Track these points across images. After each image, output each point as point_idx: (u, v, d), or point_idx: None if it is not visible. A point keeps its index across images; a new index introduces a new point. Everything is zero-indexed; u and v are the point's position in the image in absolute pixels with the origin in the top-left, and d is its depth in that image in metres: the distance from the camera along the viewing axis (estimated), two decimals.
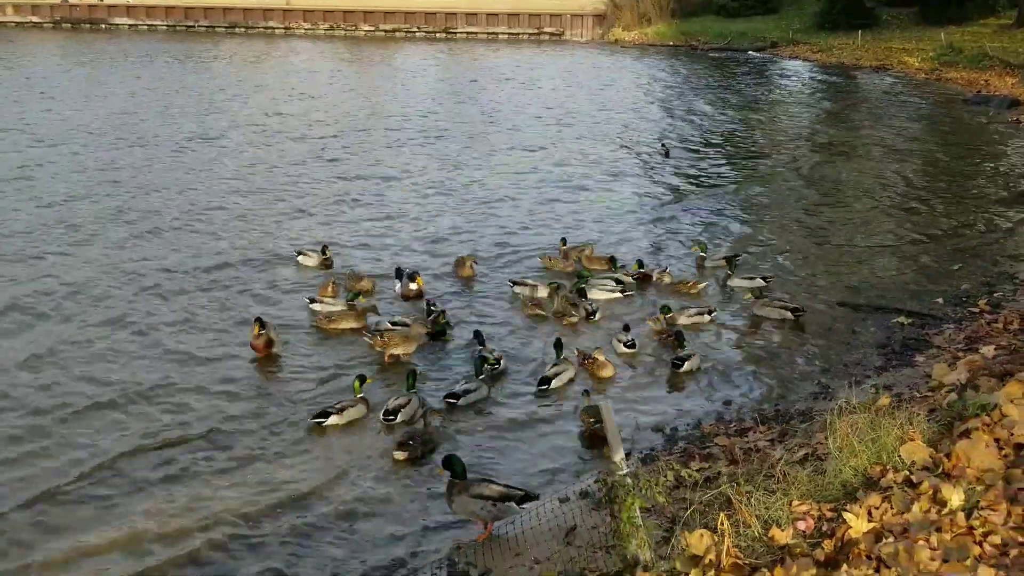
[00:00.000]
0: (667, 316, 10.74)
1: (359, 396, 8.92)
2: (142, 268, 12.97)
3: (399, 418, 8.67)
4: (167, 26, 64.90)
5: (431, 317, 10.71)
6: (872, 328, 10.69)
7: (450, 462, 6.74)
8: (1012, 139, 24.06)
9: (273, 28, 64.69)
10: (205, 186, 18.05)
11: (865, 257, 13.86)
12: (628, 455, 7.57)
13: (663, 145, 23.06)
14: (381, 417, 8.67)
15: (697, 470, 6.81)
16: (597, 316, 11.15)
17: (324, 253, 13.23)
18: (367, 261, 13.72)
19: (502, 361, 9.72)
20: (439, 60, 47.85)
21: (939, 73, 38.12)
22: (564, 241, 13.69)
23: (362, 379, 9.01)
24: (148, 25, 64.94)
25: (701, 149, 23.20)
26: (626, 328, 10.48)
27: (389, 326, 10.58)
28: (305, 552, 6.67)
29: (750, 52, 51.73)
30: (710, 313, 11.03)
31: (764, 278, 12.28)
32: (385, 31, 63.70)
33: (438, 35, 62.97)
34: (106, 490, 7.45)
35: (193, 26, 65.05)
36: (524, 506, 6.47)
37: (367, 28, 63.93)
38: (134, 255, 13.52)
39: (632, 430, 8.22)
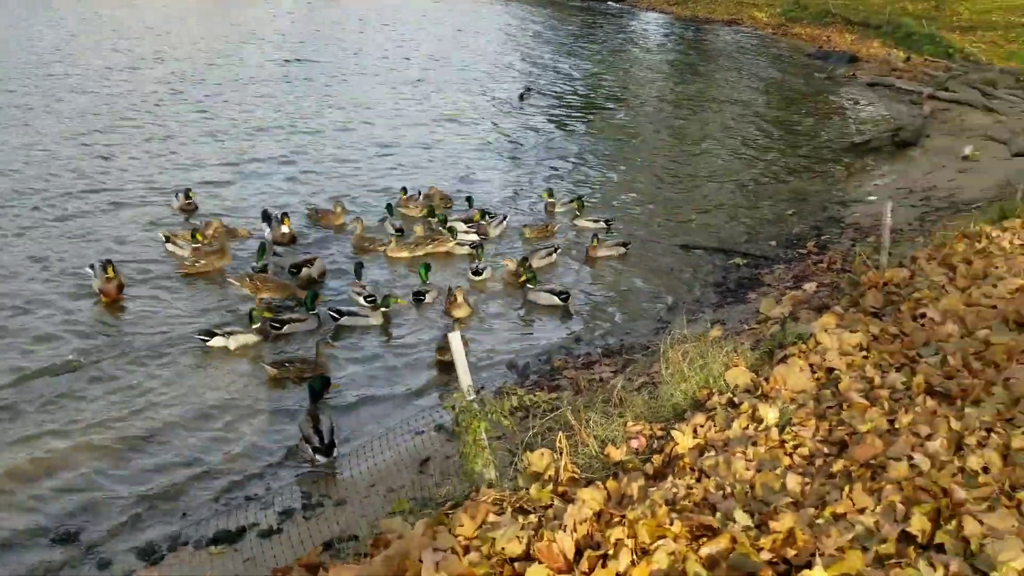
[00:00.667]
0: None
1: (255, 326, 9.03)
2: None
3: (285, 328, 9.20)
4: None
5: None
6: (711, 268, 11.38)
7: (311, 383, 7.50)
8: (848, 93, 25.60)
9: None
10: (57, 123, 17.05)
11: (708, 203, 14.61)
12: (481, 388, 7.91)
13: (528, 89, 23.51)
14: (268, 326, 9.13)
15: (545, 400, 7.21)
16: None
17: (188, 196, 12.79)
18: (231, 202, 13.41)
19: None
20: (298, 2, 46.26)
21: (786, 28, 39.88)
22: (404, 190, 13.62)
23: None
24: None
25: (557, 96, 23.58)
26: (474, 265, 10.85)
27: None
28: (157, 488, 6.66)
29: (609, 2, 52.47)
30: (556, 251, 11.43)
31: (607, 220, 12.84)
32: None
33: None
34: None
35: None
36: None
37: None
38: None
39: (486, 365, 8.54)
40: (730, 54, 34.83)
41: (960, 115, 20.23)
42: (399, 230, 12.01)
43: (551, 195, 13.67)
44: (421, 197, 13.46)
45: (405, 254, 11.53)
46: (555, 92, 24.20)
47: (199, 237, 10.97)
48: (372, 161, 16.25)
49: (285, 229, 11.62)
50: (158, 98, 20.01)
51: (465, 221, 12.48)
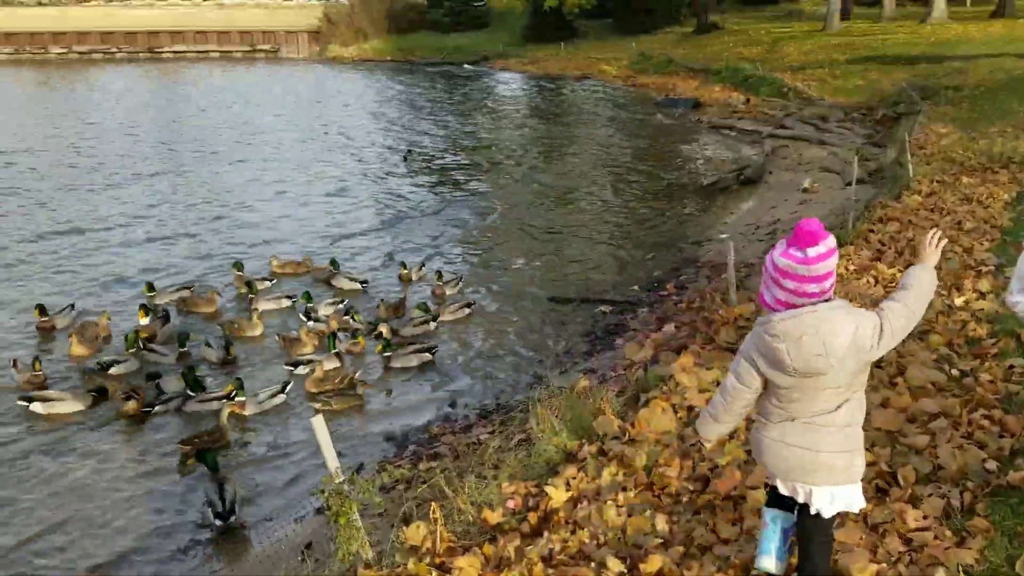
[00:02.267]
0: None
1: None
2: None
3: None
4: None
5: None
6: (579, 319, 11.70)
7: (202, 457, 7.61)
8: (695, 136, 26.98)
9: None
10: None
11: (572, 254, 15.06)
12: (361, 465, 7.89)
13: (409, 151, 24.50)
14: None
15: (425, 470, 7.25)
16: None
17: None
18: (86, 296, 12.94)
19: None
20: (145, 81, 45.41)
21: (633, 79, 41.76)
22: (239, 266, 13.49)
23: None
24: None
25: (429, 158, 23.95)
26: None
27: None
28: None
29: (465, 65, 53.78)
30: (434, 319, 11.47)
31: (457, 279, 13.06)
32: (80, 53, 59.37)
33: (142, 55, 59.69)
34: None
35: None
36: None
37: (59, 51, 59.29)
38: None
39: (360, 440, 8.52)
40: (584, 106, 36.20)
41: (797, 150, 21.62)
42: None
43: (405, 266, 13.68)
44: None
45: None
46: (427, 154, 24.62)
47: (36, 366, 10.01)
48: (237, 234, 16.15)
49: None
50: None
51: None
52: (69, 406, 9.13)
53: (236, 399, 9.03)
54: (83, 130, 29.18)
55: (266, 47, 61.69)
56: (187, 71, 51.02)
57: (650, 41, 49.96)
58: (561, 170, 22.83)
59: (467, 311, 11.97)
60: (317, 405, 9.15)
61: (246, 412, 9.06)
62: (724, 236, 14.90)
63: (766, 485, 4.13)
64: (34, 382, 9.58)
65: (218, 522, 7.00)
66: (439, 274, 13.08)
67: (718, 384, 7.06)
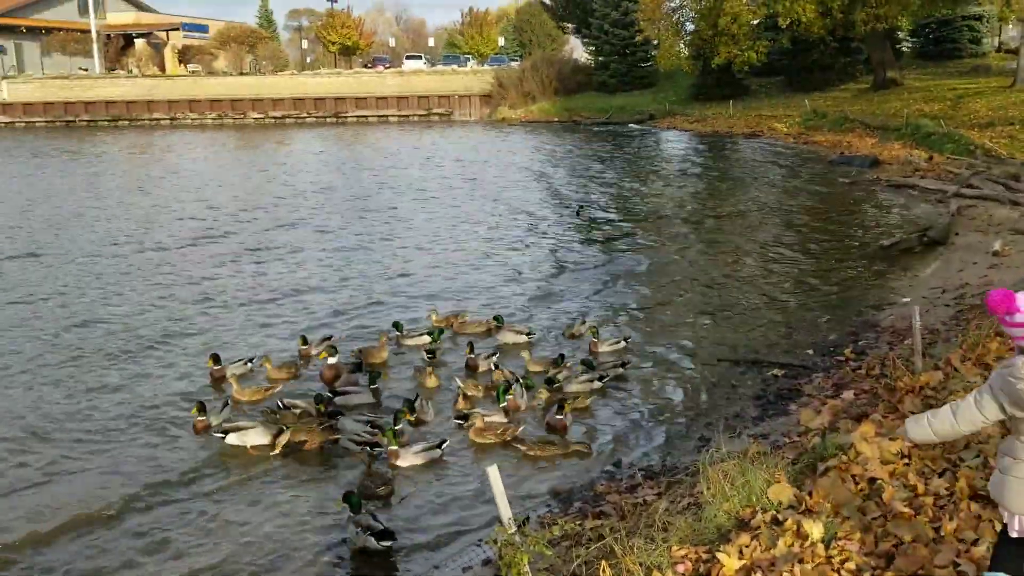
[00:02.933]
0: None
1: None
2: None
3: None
4: (46, 122, 63.61)
5: None
6: (750, 382, 11.39)
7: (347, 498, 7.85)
8: (873, 196, 25.93)
9: (158, 120, 64.21)
10: (106, 287, 17.85)
11: (743, 315, 14.73)
12: (526, 519, 7.94)
13: (582, 206, 25.17)
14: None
15: (591, 528, 7.22)
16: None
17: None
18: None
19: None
20: (332, 143, 48.44)
21: (806, 136, 40.74)
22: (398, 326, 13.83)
23: None
24: (26, 122, 63.52)
25: (583, 222, 24.22)
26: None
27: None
28: None
29: (630, 124, 54.21)
30: (600, 379, 11.47)
31: (626, 338, 13.04)
32: (274, 118, 64.05)
33: (328, 120, 63.69)
34: None
35: (73, 120, 63.96)
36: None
37: (256, 116, 64.18)
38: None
39: (525, 494, 8.60)
40: (754, 165, 35.60)
41: (986, 211, 20.35)
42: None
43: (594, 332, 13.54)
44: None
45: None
46: (596, 209, 24.97)
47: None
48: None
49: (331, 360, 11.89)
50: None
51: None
52: (257, 437, 9.74)
53: (390, 448, 9.37)
54: (280, 186, 31.50)
55: (440, 110, 64.49)
56: (369, 133, 54.03)
57: (823, 98, 48.73)
58: (730, 228, 22.51)
59: (620, 371, 11.86)
60: (523, 448, 9.50)
61: (401, 463, 9.33)
62: (906, 300, 14.19)
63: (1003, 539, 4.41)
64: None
65: (383, 543, 7.24)
66: (594, 331, 13.12)
67: (901, 455, 6.74)
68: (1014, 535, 4.31)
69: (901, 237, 18.88)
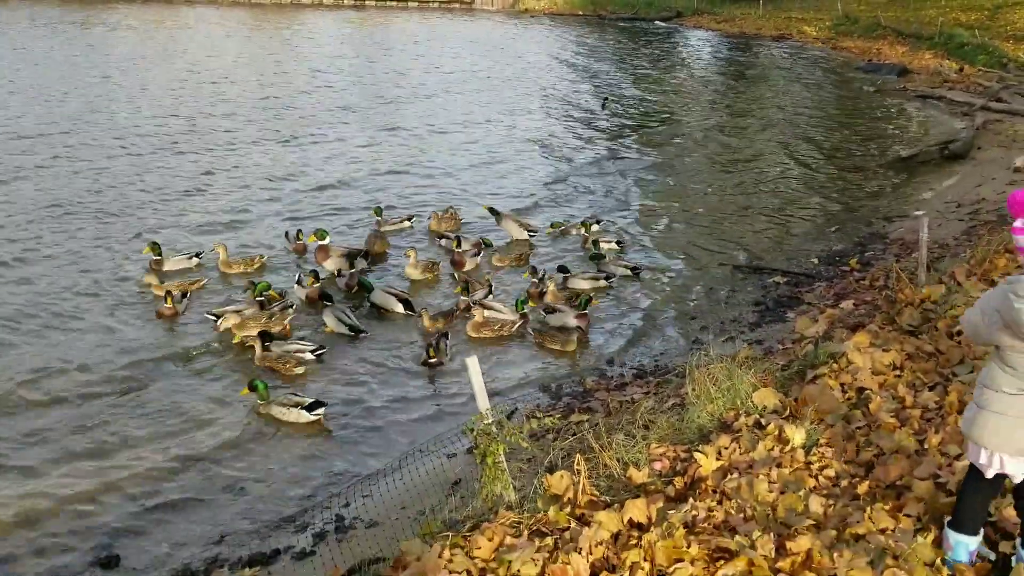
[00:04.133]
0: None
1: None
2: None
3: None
4: None
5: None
6: (750, 288, 11.28)
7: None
8: (898, 106, 25.22)
9: None
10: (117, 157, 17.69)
11: (750, 220, 14.51)
12: (514, 410, 7.97)
13: (606, 99, 25.25)
14: None
15: (576, 423, 7.23)
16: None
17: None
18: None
19: None
20: (351, 27, 47.27)
21: (835, 42, 39.48)
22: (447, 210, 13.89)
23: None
24: None
25: (604, 116, 23.72)
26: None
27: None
28: (195, 512, 6.85)
29: (656, 21, 52.55)
30: (608, 279, 11.37)
31: (618, 242, 12.86)
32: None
33: (346, 3, 61.95)
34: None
35: None
36: None
37: None
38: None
39: (517, 386, 8.63)
40: (779, 69, 34.62)
41: (1013, 126, 19.78)
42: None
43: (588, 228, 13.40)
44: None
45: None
46: (598, 111, 24.43)
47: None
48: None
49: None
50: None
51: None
52: None
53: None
54: (299, 69, 30.90)
55: None
56: (386, 19, 52.60)
57: (857, 2, 46.98)
58: (748, 134, 22.03)
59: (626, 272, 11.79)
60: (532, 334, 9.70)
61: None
62: (919, 213, 13.89)
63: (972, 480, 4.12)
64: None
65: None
66: (585, 225, 13.12)
67: (893, 367, 6.66)
68: (989, 474, 3.95)
69: (921, 149, 18.42)
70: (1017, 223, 4.06)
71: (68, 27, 40.27)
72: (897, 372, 6.60)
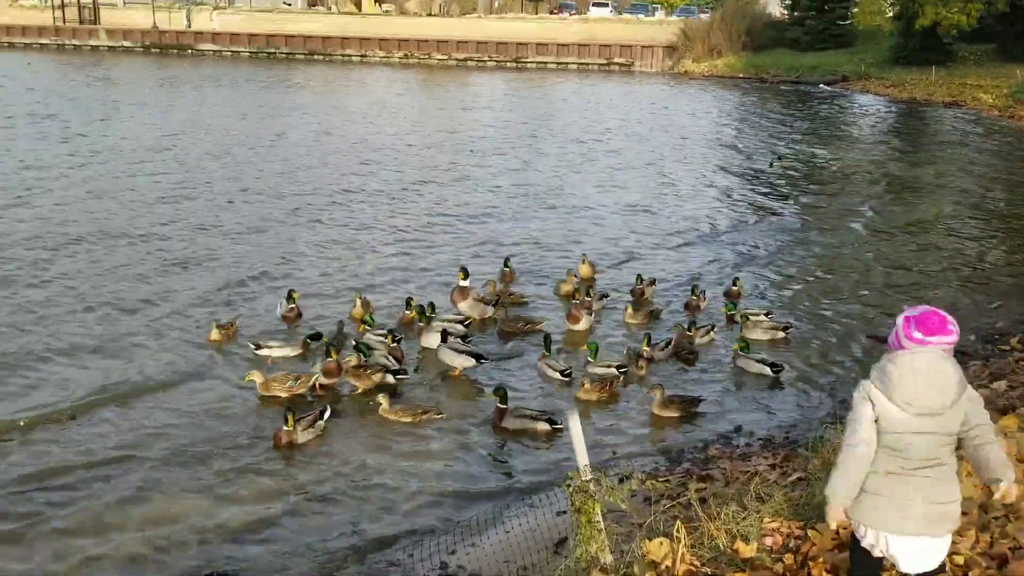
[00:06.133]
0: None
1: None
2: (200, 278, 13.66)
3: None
4: (249, 52, 67.23)
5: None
6: None
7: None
8: None
9: (350, 56, 66.53)
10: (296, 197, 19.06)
11: (907, 292, 13.77)
12: (631, 475, 7.80)
13: (778, 157, 25.81)
14: None
15: (695, 490, 7.00)
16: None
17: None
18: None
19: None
20: (512, 87, 48.77)
21: (1013, 110, 37.28)
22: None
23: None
24: (231, 51, 67.37)
25: (767, 178, 23.32)
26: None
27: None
28: (300, 547, 7.06)
29: (820, 85, 51.30)
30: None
31: (767, 313, 12.27)
32: (457, 60, 64.95)
33: (508, 64, 63.93)
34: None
35: (274, 53, 67.28)
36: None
37: (440, 57, 65.25)
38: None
39: (638, 448, 8.45)
40: (950, 135, 32.99)
41: None
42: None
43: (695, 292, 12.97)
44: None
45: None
46: (763, 173, 24.09)
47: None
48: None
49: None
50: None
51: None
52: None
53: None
54: (464, 124, 32.36)
55: (621, 60, 63.15)
56: (547, 80, 53.90)
57: None
58: (911, 201, 21.03)
59: (781, 334, 11.53)
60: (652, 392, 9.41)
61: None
62: None
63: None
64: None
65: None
66: (695, 292, 12.82)
67: None
68: (877, 554, 4.21)
69: None
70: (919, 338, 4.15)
71: (262, 83, 43.52)
72: None
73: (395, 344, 10.63)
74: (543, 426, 8.88)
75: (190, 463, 8.27)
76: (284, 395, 9.59)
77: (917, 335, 4.13)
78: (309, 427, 8.74)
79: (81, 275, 13.62)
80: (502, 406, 8.94)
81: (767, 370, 10.35)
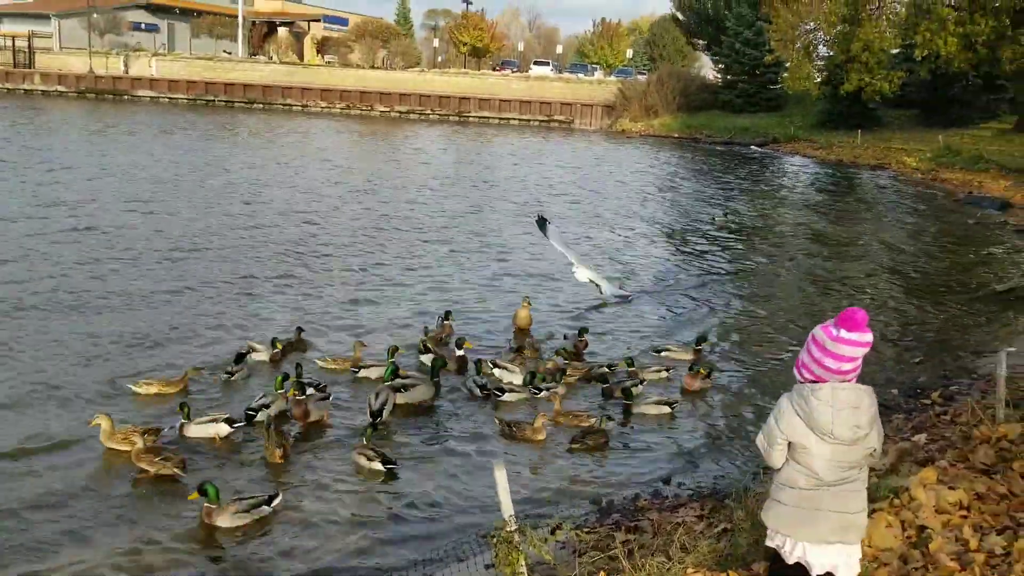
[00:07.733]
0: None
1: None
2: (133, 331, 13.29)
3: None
4: (188, 99, 66.74)
5: None
6: None
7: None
8: (997, 239, 24.47)
9: (290, 105, 66.50)
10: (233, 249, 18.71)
11: None
12: (559, 527, 7.74)
13: (725, 215, 26.60)
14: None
15: (622, 542, 6.97)
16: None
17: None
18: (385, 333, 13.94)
19: None
20: (452, 141, 49.16)
21: (935, 173, 38.85)
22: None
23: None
24: (169, 98, 66.81)
25: (696, 238, 23.76)
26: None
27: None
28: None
29: (752, 146, 52.90)
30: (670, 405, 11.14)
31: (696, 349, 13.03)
32: (399, 112, 65.40)
33: (450, 118, 64.59)
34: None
35: (213, 100, 66.89)
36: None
37: (382, 108, 65.66)
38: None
39: (569, 499, 8.41)
40: (876, 197, 34.22)
41: None
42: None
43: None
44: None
45: None
46: (692, 231, 24.50)
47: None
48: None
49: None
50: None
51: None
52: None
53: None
54: (403, 177, 32.40)
55: (561, 118, 64.41)
56: (489, 134, 54.56)
57: (960, 136, 46.32)
58: (839, 257, 21.67)
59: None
60: (576, 446, 9.63)
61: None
62: (1012, 350, 13.24)
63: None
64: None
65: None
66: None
67: (960, 506, 6.25)
68: (791, 561, 4.56)
69: (1017, 283, 17.71)
70: (844, 335, 4.42)
71: (199, 131, 43.08)
72: (964, 512, 6.19)
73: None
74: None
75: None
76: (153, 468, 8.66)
77: (843, 333, 4.42)
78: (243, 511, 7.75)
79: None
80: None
81: (666, 409, 10.84)
